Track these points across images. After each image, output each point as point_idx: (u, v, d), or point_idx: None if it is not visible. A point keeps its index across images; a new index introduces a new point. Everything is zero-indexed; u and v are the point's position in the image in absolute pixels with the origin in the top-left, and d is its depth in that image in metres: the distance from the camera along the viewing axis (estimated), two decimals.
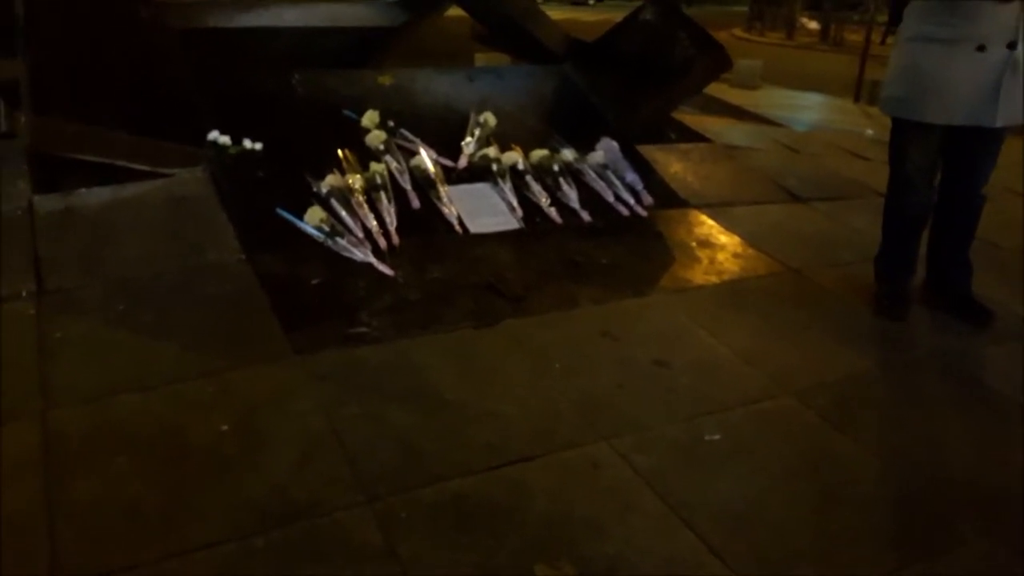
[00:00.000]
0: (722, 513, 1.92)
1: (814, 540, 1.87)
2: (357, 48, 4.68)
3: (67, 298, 2.49)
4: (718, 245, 3.37)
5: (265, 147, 3.39)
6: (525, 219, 3.34)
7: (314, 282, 2.73)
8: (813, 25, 15.99)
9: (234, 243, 2.84)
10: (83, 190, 2.98)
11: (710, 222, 3.57)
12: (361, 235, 2.97)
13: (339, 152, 3.37)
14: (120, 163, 3.09)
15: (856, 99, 7.49)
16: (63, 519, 1.75)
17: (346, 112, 3.71)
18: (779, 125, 5.79)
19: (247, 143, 3.37)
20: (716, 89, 5.38)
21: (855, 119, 6.32)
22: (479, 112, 3.84)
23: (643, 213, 3.55)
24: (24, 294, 2.49)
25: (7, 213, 2.86)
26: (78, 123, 3.06)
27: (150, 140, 3.19)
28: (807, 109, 6.87)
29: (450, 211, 3.23)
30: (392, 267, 2.84)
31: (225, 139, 3.38)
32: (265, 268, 2.75)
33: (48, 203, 2.92)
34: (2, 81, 3.37)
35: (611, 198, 3.58)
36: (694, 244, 3.36)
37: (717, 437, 2.18)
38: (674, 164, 4.10)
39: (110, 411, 2.06)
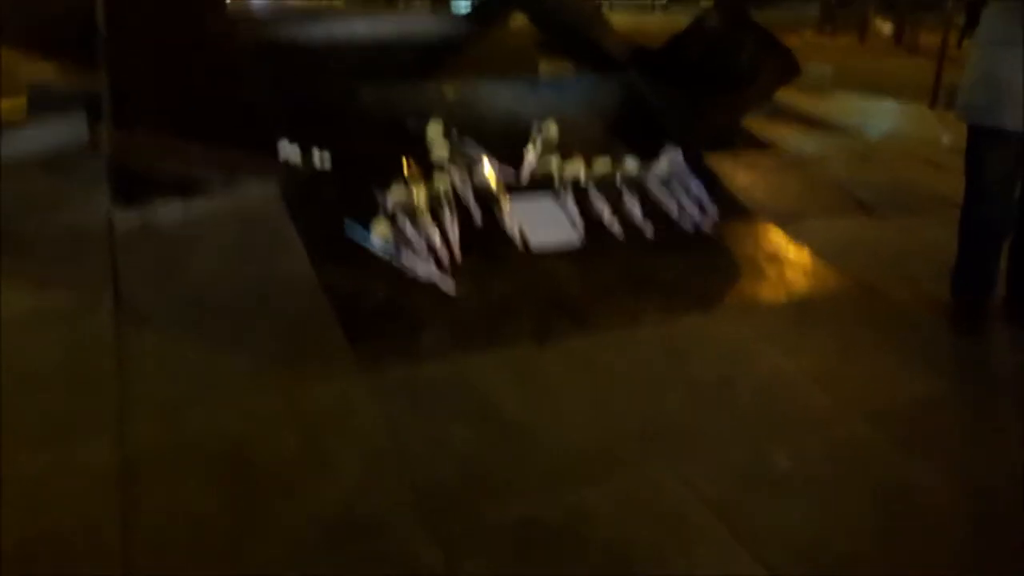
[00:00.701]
0: (789, 543, 1.87)
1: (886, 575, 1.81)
2: (424, 61, 4.73)
3: (143, 312, 2.54)
4: (787, 260, 3.30)
5: (334, 160, 3.43)
6: (587, 233, 3.31)
7: (379, 297, 2.75)
8: (887, 27, 15.51)
9: (303, 257, 2.86)
10: (161, 204, 3.05)
11: (779, 236, 3.49)
12: (425, 250, 2.96)
13: (404, 165, 3.39)
14: (197, 172, 3.14)
15: (932, 105, 7.22)
16: (136, 533, 1.77)
17: (411, 124, 3.75)
18: (851, 133, 5.70)
19: (316, 156, 3.41)
20: (785, 96, 5.25)
21: (931, 126, 6.10)
22: (542, 122, 3.84)
23: (708, 227, 3.49)
24: (103, 308, 2.55)
25: (88, 227, 2.94)
26: (157, 136, 3.13)
27: (225, 152, 3.23)
28: (880, 116, 6.66)
29: (512, 225, 3.22)
30: (454, 283, 2.83)
31: (295, 152, 3.41)
32: (332, 282, 2.77)
33: (127, 217, 3.00)
34: (86, 94, 3.52)
35: (675, 211, 3.54)
36: (762, 259, 3.29)
37: (785, 463, 2.12)
38: (741, 175, 4.04)
39: (182, 426, 2.10)
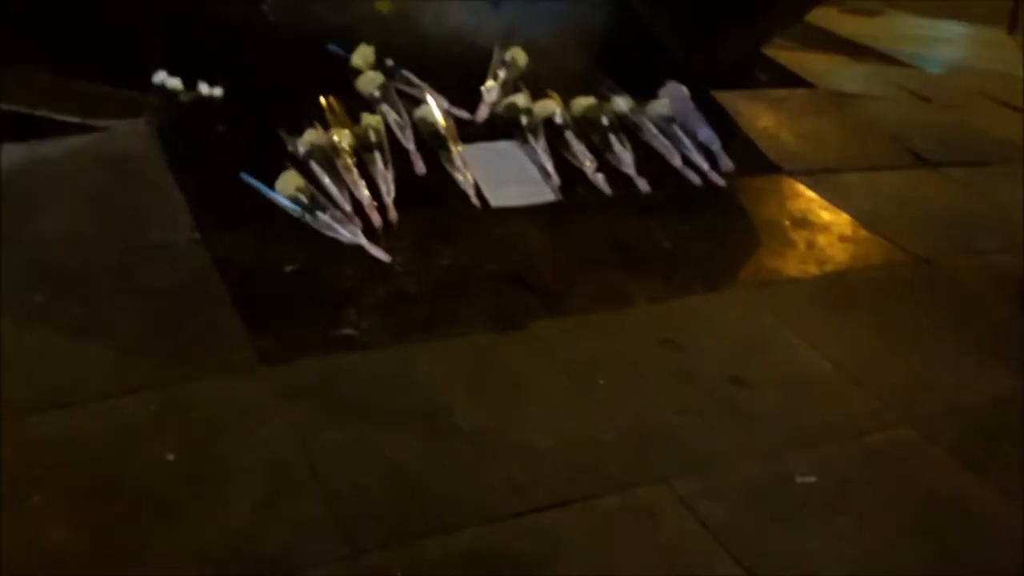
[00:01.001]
0: None
1: None
2: None
3: None
4: (819, 225, 3.34)
5: (227, 93, 3.40)
6: (563, 189, 3.32)
7: (288, 269, 2.73)
8: None
9: (185, 218, 2.84)
10: None
11: (809, 194, 3.54)
12: (349, 208, 2.96)
13: (322, 100, 3.36)
14: (41, 113, 3.10)
15: (1011, 30, 7.36)
16: None
17: (332, 47, 3.72)
18: (906, 65, 5.68)
19: (203, 88, 3.39)
20: (822, 16, 5.30)
21: (1009, 57, 6.23)
22: (505, 48, 3.82)
23: (720, 182, 3.52)
24: None
25: None
26: None
27: (80, 83, 3.21)
28: (944, 43, 6.76)
29: (465, 178, 3.22)
30: (389, 251, 2.83)
31: (175, 82, 3.38)
32: (225, 251, 2.74)
33: None
34: None
35: (678, 161, 3.57)
36: (787, 223, 3.33)
37: (811, 479, 2.16)
38: (763, 117, 4.07)
39: (26, 433, 2.06)
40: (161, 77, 3.41)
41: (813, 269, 3.07)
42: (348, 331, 2.54)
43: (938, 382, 2.55)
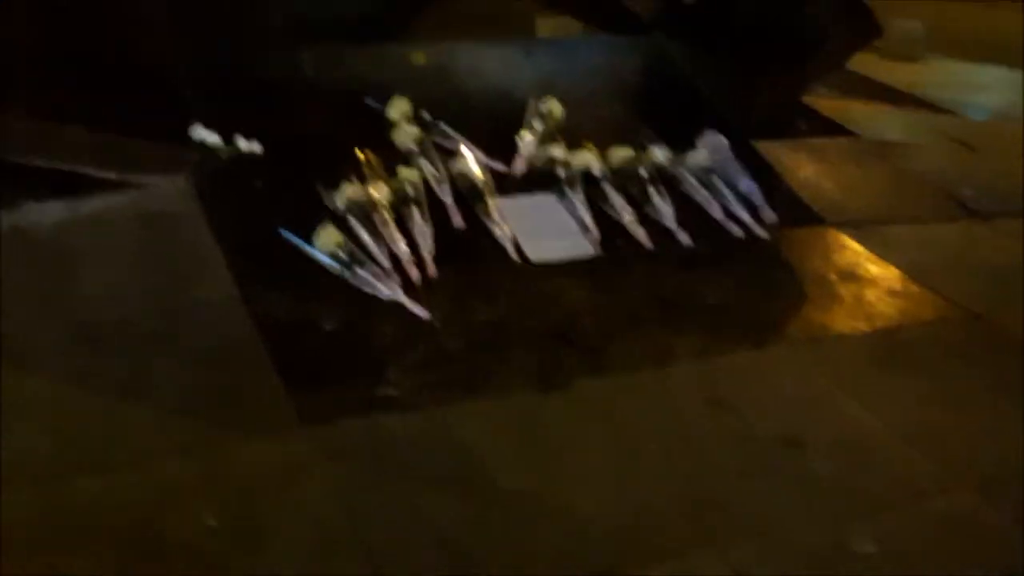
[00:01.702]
0: None
1: None
2: (384, 14, 4.73)
3: (15, 347, 2.50)
4: (867, 279, 3.32)
5: (265, 148, 3.44)
6: (603, 242, 3.32)
7: (327, 327, 2.74)
8: None
9: (225, 275, 2.86)
10: (35, 205, 3.00)
11: (856, 246, 3.53)
12: (387, 264, 2.97)
13: (359, 154, 3.39)
14: (80, 169, 3.13)
15: None
16: None
17: (369, 101, 3.76)
18: (949, 112, 5.67)
19: (242, 143, 3.43)
20: (862, 62, 5.29)
21: None
22: (540, 99, 3.84)
23: (763, 234, 3.52)
24: None
25: None
26: (31, 119, 3.14)
27: (118, 139, 3.25)
28: (988, 89, 6.71)
29: (503, 232, 3.24)
30: (428, 307, 2.82)
31: (214, 137, 3.42)
32: (265, 309, 2.75)
33: None
34: None
35: (719, 214, 3.57)
36: (834, 277, 3.32)
37: (870, 549, 2.12)
38: (805, 167, 4.07)
39: (67, 496, 2.07)
40: (200, 132, 3.45)
41: (863, 325, 3.04)
42: (389, 391, 2.53)
43: (998, 443, 2.51)
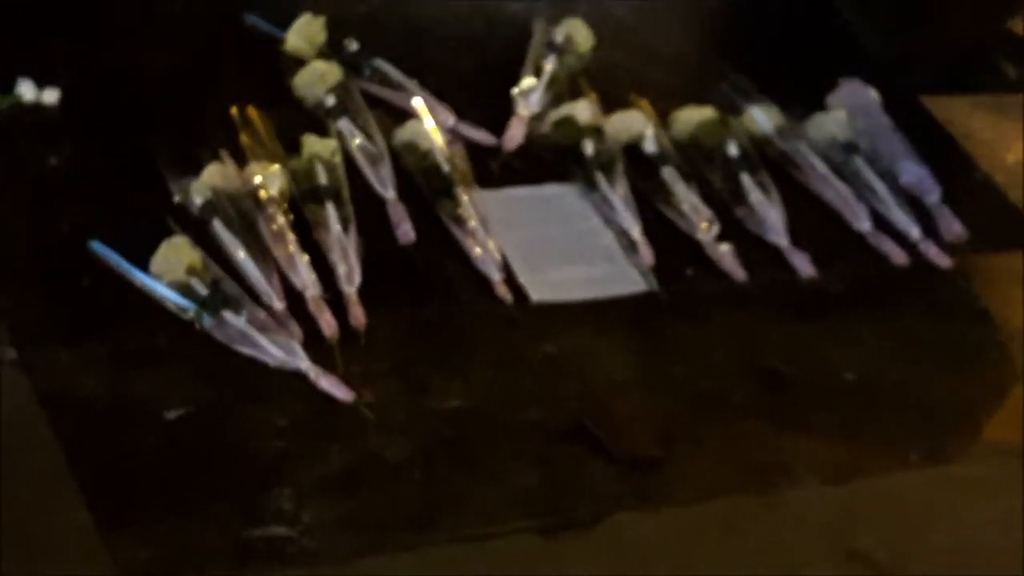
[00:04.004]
0: None
1: None
2: None
3: None
4: None
5: (66, 98, 3.18)
6: (659, 270, 3.01)
7: (171, 415, 2.52)
8: None
9: None
10: None
11: None
12: (280, 305, 2.71)
13: (233, 112, 3.12)
14: None
15: None
16: None
17: (252, 20, 3.51)
18: None
19: (25, 89, 3.17)
20: None
21: None
22: (555, 21, 3.63)
23: (941, 261, 3.27)
24: None
25: None
26: None
27: None
28: None
29: (486, 251, 2.97)
30: (350, 382, 2.53)
31: None
32: (60, 381, 2.53)
33: None
34: None
35: (864, 224, 3.26)
36: None
37: None
38: (1015, 144, 3.90)
39: None
40: None
41: None
42: (278, 529, 2.34)
43: None
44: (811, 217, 3.30)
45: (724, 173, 3.29)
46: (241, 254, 2.80)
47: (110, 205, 2.96)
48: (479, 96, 3.45)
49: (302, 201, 2.96)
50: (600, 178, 3.22)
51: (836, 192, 3.36)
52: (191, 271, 2.70)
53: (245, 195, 2.93)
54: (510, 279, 2.96)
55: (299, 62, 3.36)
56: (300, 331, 2.67)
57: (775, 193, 3.27)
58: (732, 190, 3.25)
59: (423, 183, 3.10)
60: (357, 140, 3.14)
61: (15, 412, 2.50)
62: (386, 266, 2.90)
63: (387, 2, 3.73)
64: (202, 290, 2.69)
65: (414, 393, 2.69)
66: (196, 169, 2.94)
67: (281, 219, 2.92)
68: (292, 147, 3.08)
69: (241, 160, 2.98)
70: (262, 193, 2.95)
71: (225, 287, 2.72)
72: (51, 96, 3.24)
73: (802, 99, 3.64)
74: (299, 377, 2.61)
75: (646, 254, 3.05)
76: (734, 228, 3.18)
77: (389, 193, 3.05)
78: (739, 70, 3.73)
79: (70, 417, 2.51)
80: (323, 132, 3.14)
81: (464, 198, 3.07)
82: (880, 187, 3.40)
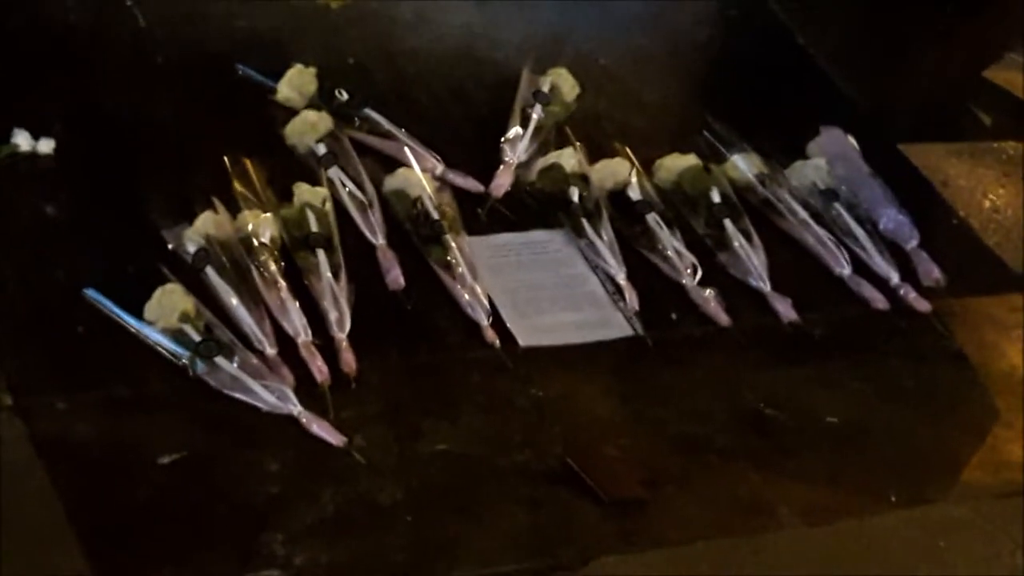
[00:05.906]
0: None
1: None
2: None
3: None
4: None
5: (62, 148, 3.25)
6: (644, 316, 3.08)
7: (164, 460, 2.53)
8: None
9: None
10: None
11: None
12: (272, 351, 2.76)
13: (226, 161, 3.20)
14: None
15: None
16: None
17: (244, 70, 3.59)
18: None
19: (21, 140, 3.23)
20: None
21: None
22: (541, 71, 3.69)
23: (920, 306, 3.35)
24: None
25: None
26: None
27: None
28: None
29: (474, 297, 3.05)
30: (341, 427, 2.59)
31: None
32: (56, 428, 2.53)
33: None
34: None
35: (844, 269, 3.39)
36: None
37: None
38: (991, 188, 4.00)
39: None
40: None
41: None
42: (271, 573, 2.32)
43: None
44: (793, 263, 3.39)
45: (707, 219, 3.40)
46: (234, 300, 2.86)
47: (104, 253, 3.00)
48: (467, 144, 3.53)
49: (293, 248, 3.01)
50: (586, 225, 3.30)
51: (817, 238, 3.44)
52: (184, 318, 2.75)
53: (238, 242, 2.97)
54: (498, 324, 3.02)
55: (290, 112, 3.43)
56: (292, 376, 2.71)
57: (757, 239, 3.35)
58: (715, 236, 3.35)
59: (412, 230, 3.16)
60: (347, 188, 3.23)
61: (13, 459, 2.53)
62: (376, 312, 2.96)
63: (376, 53, 3.83)
64: (195, 336, 2.72)
65: (404, 437, 2.72)
66: (189, 217, 2.98)
67: (273, 266, 2.97)
68: (284, 195, 3.14)
69: (234, 208, 3.04)
70: (254, 240, 3.01)
71: (218, 333, 2.76)
72: (46, 146, 3.27)
73: (783, 147, 3.76)
74: (291, 422, 2.65)
75: (632, 299, 3.14)
76: (717, 273, 3.26)
77: (379, 240, 3.13)
78: (721, 119, 3.84)
79: (67, 464, 2.50)
80: (314, 180, 3.20)
81: (453, 245, 3.13)
82: (860, 233, 3.49)
